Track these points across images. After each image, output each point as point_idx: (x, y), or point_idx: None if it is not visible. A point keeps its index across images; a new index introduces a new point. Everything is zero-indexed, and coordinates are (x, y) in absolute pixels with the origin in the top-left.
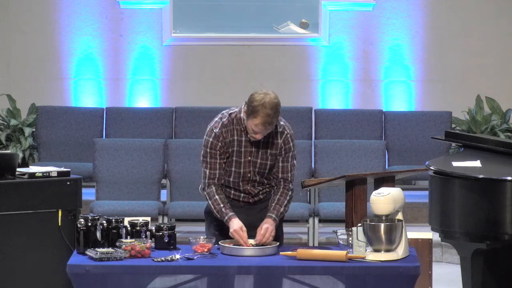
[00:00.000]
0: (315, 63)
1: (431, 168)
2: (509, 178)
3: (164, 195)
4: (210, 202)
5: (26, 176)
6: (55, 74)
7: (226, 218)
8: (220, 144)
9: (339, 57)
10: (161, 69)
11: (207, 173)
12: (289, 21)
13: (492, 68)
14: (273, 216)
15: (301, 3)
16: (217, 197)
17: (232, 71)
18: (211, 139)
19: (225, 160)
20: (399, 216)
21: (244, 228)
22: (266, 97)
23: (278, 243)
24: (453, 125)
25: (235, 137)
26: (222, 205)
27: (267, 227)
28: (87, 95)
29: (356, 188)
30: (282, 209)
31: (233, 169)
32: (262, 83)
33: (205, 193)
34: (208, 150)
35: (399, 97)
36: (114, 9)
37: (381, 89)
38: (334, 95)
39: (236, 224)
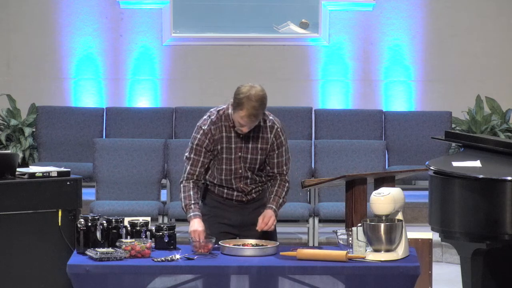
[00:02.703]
0: (315, 63)
1: (431, 168)
2: (509, 178)
3: (164, 195)
4: (182, 195)
5: (26, 176)
6: (55, 74)
7: (191, 215)
8: (207, 141)
9: (339, 57)
10: (161, 69)
11: (188, 168)
12: (289, 21)
13: (492, 68)
14: (273, 207)
15: (301, 3)
16: (191, 192)
17: (232, 71)
18: (198, 136)
19: (209, 160)
20: (399, 216)
21: (204, 232)
22: (252, 89)
23: (278, 243)
24: (453, 125)
25: (224, 134)
26: (193, 202)
27: (270, 215)
28: (87, 95)
29: (356, 188)
30: (281, 200)
31: (223, 166)
32: (262, 83)
33: (181, 185)
34: (194, 146)
35: (399, 97)
36: (114, 9)
37: (381, 89)
38: (334, 95)
39: (197, 225)
